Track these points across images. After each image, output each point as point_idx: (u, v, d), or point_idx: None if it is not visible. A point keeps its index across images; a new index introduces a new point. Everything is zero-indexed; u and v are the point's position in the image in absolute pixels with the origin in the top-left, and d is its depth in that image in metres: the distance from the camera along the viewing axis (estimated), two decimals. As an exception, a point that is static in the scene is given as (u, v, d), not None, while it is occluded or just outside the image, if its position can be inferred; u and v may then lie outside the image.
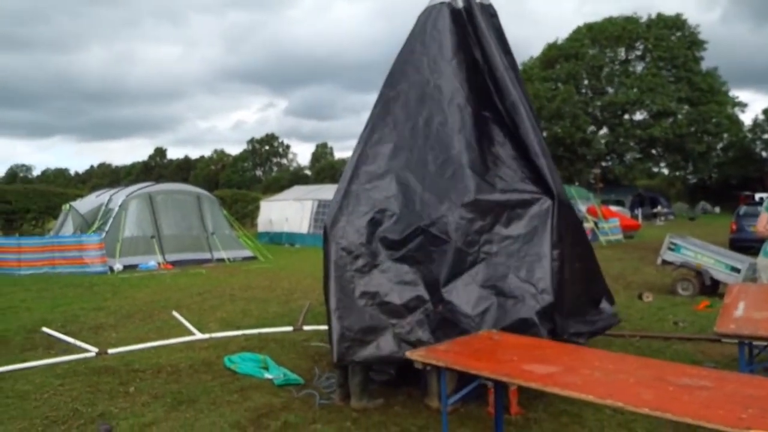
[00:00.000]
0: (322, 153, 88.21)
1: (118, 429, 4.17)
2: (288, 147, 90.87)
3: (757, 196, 28.98)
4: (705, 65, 39.14)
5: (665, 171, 47.90)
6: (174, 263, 14.74)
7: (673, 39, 38.75)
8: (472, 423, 4.14)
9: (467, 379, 3.34)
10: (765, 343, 4.18)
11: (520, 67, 5.73)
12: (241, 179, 77.88)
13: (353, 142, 5.11)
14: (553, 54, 41.92)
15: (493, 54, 4.87)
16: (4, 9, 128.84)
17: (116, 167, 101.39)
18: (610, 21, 40.64)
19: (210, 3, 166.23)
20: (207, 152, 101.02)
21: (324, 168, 74.90)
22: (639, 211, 32.71)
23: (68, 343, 6.63)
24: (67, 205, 16.57)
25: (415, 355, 3.32)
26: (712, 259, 9.14)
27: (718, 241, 13.20)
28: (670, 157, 41.84)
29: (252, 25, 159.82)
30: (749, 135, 46.16)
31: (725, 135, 41.15)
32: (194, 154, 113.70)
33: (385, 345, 4.22)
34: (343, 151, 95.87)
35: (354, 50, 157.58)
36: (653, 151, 42.20)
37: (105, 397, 4.84)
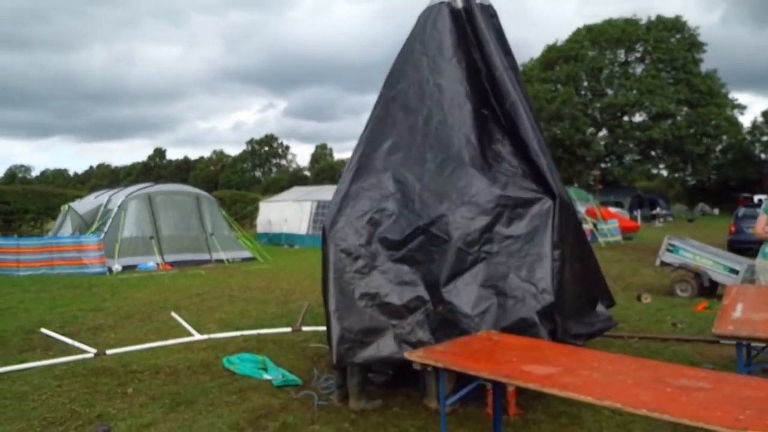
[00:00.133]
0: (321, 154, 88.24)
1: (116, 430, 4.17)
2: (287, 148, 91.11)
3: (756, 198, 28.97)
4: (704, 67, 39.21)
5: (664, 173, 47.96)
6: (173, 264, 14.73)
7: (672, 41, 38.79)
8: (470, 424, 4.14)
9: (466, 380, 3.33)
10: (763, 345, 4.18)
11: (520, 68, 5.73)
12: (240, 180, 77.91)
13: (353, 143, 5.13)
14: (553, 55, 41.95)
15: (493, 54, 4.87)
16: (3, 8, 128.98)
17: (115, 168, 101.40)
18: (609, 23, 40.68)
19: (210, 3, 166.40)
20: (206, 153, 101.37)
21: (323, 169, 74.92)
22: (638, 213, 32.72)
23: (66, 344, 6.62)
24: (66, 206, 16.56)
25: (414, 356, 3.32)
26: (711, 260, 9.14)
27: (717, 242, 13.22)
28: (669, 158, 41.88)
29: (252, 25, 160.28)
30: (748, 137, 46.19)
31: (724, 137, 41.19)
32: (194, 155, 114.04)
33: (385, 346, 4.21)
34: (343, 152, 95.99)
35: (354, 51, 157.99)
36: (652, 153, 42.24)
37: (103, 398, 4.84)
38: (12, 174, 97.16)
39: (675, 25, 39.41)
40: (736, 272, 8.77)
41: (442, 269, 4.34)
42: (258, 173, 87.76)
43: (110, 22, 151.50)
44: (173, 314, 8.16)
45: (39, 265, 13.58)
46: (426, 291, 4.35)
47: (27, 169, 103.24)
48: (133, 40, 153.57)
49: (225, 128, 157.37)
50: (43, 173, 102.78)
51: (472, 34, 5.01)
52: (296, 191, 24.27)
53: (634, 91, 38.56)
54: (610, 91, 41.11)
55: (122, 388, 5.06)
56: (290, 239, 20.95)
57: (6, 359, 6.02)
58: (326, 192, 19.13)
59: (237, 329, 7.28)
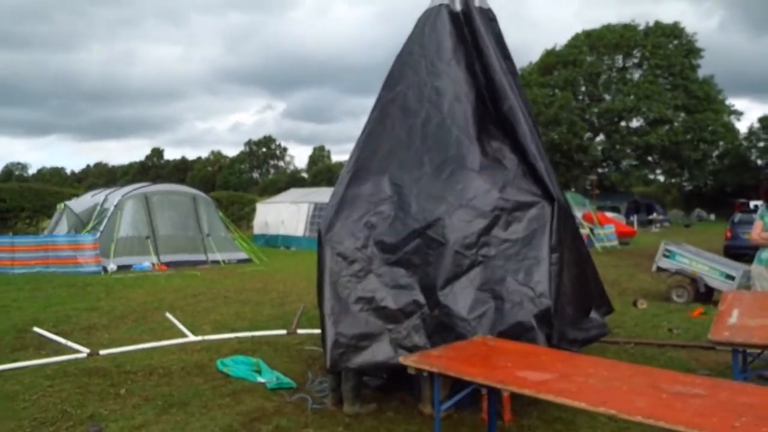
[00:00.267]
0: (319, 156, 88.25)
1: (107, 431, 4.14)
2: (285, 149, 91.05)
3: (752, 203, 29.07)
4: (702, 73, 39.35)
5: (661, 178, 48.10)
6: (168, 264, 14.68)
7: (670, 47, 38.90)
8: (465, 429, 4.12)
9: (461, 385, 3.32)
10: (759, 351, 4.17)
11: (518, 73, 5.72)
12: (237, 181, 77.83)
13: (351, 146, 5.10)
14: (551, 60, 42.04)
15: (491, 57, 4.86)
16: (3, 6, 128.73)
17: (113, 167, 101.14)
18: (608, 28, 40.80)
19: (211, 3, 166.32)
20: (204, 153, 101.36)
21: (321, 171, 74.93)
22: (634, 218, 32.79)
23: (59, 344, 6.58)
24: (62, 204, 16.51)
25: (409, 361, 3.30)
26: (707, 266, 9.15)
27: (713, 248, 13.23)
28: (666, 164, 41.98)
29: (252, 26, 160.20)
30: (744, 143, 46.37)
31: (721, 143, 41.30)
32: (192, 155, 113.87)
33: (380, 351, 4.17)
34: (341, 155, 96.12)
35: (354, 53, 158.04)
36: (649, 158, 42.34)
37: (95, 398, 4.80)
38: (9, 171, 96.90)
39: (673, 31, 39.54)
40: (732, 278, 8.78)
41: (438, 272, 4.31)
42: (255, 174, 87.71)
43: (110, 22, 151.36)
44: (168, 315, 8.13)
45: (34, 264, 13.54)
46: (422, 295, 4.31)
47: (24, 166, 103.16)
48: (133, 39, 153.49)
49: (223, 129, 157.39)
50: (40, 171, 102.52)
51: (471, 37, 5.00)
52: (293, 193, 24.25)
53: (632, 97, 38.65)
54: (607, 97, 41.21)
55: (115, 389, 5.02)
56: (287, 241, 20.92)
57: (-2, 359, 5.98)
58: (323, 194, 19.11)
59: (232, 331, 7.25)
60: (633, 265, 14.71)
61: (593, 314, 4.85)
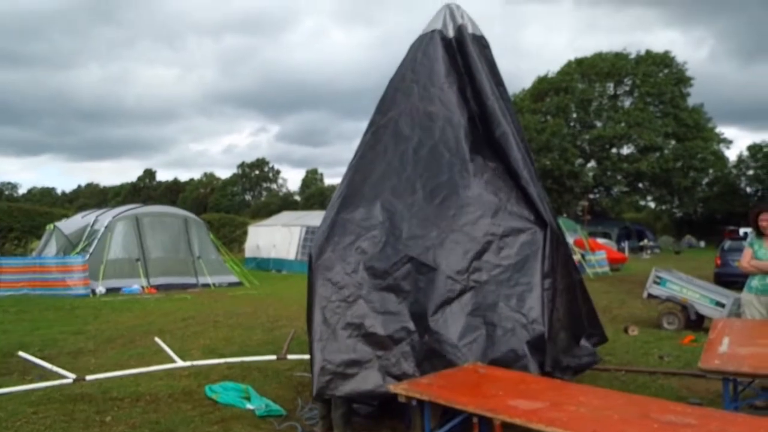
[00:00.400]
0: (312, 179, 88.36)
1: (91, 459, 4.05)
2: (278, 172, 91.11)
3: (741, 231, 29.26)
4: (691, 102, 39.93)
5: (652, 204, 48.41)
6: (158, 287, 14.55)
7: (660, 75, 39.52)
8: (455, 458, 4.06)
9: (452, 413, 3.28)
10: (749, 380, 4.16)
11: (511, 99, 5.78)
12: (229, 203, 77.72)
13: (344, 169, 5.11)
14: (544, 87, 42.57)
15: (484, 83, 4.92)
16: (1, 25, 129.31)
17: (104, 188, 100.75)
18: (599, 56, 41.45)
19: (207, 26, 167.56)
20: (197, 175, 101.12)
21: (313, 194, 75.00)
22: (625, 244, 32.91)
23: (45, 369, 6.47)
24: (51, 225, 16.39)
25: (399, 389, 3.27)
26: (698, 293, 9.16)
27: (704, 275, 13.28)
28: (656, 190, 42.33)
29: (248, 49, 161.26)
30: (734, 171, 46.88)
31: (710, 170, 41.74)
32: (184, 177, 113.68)
33: (369, 378, 4.11)
34: (334, 178, 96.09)
35: (349, 77, 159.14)
36: (640, 185, 42.70)
37: (80, 426, 4.71)
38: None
39: (663, 60, 40.22)
40: (723, 305, 8.79)
41: (429, 298, 4.28)
42: (248, 197, 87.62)
43: (108, 42, 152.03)
44: (156, 339, 8.02)
45: (20, 286, 13.36)
46: (412, 321, 4.26)
47: (14, 186, 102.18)
48: (129, 60, 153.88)
49: (216, 151, 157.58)
50: (30, 191, 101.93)
51: (463, 63, 5.06)
52: (285, 216, 24.19)
53: (623, 124, 39.12)
54: (599, 123, 41.66)
55: (100, 416, 4.93)
56: (278, 264, 20.82)
57: (-19, 383, 5.86)
58: (315, 217, 19.08)
59: (221, 356, 7.16)
60: (624, 291, 14.72)
61: (583, 342, 4.81)
